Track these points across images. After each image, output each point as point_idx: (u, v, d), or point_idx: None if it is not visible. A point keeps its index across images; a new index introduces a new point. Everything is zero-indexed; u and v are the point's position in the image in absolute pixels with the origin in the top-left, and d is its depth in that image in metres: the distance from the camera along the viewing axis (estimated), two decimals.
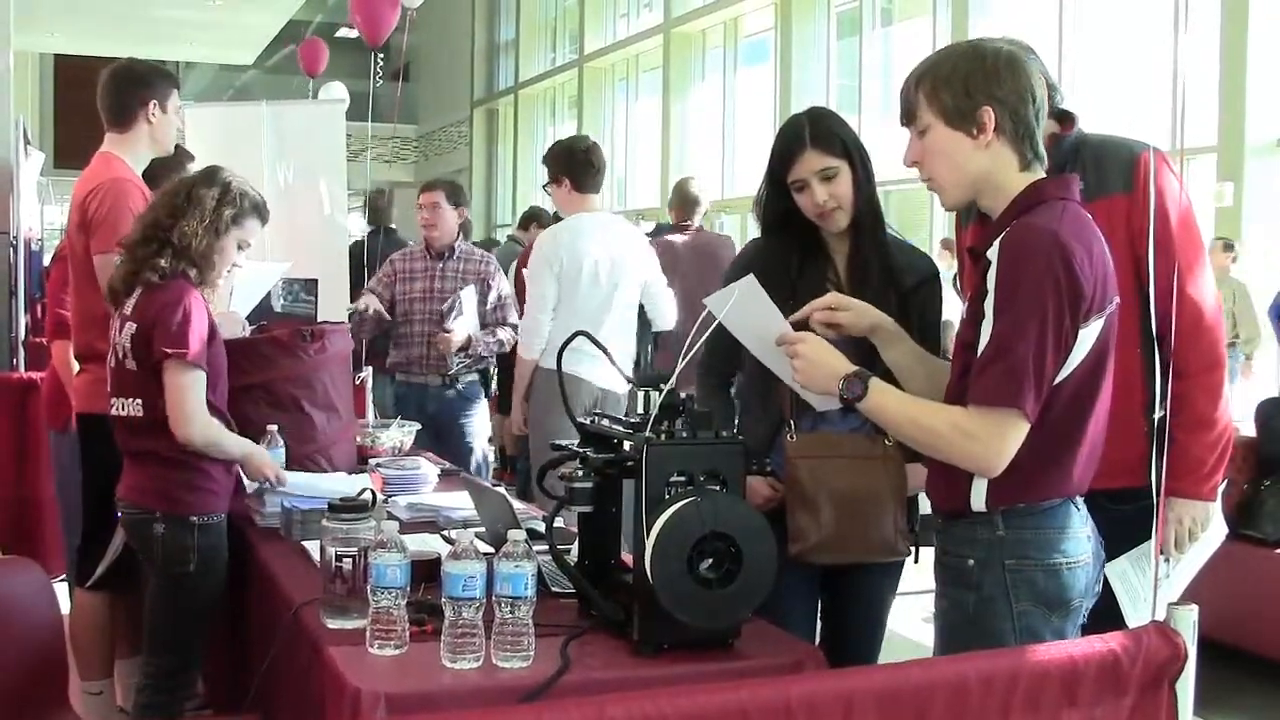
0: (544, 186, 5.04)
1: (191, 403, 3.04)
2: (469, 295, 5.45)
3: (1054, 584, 2.19)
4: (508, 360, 8.07)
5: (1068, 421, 2.18)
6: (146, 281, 3.12)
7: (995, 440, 2.11)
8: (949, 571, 2.28)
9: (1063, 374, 2.14)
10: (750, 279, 2.44)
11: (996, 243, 2.15)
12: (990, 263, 2.14)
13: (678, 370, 2.31)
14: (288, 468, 3.51)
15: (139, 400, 3.10)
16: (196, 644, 3.12)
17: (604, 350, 2.63)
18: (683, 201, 6.78)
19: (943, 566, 2.31)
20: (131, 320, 3.12)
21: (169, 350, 3.02)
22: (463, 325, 5.39)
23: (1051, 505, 2.21)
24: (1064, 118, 2.74)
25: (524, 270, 7.56)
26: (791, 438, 2.75)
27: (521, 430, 5.14)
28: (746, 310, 2.44)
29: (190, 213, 3.15)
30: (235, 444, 3.18)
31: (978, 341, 2.14)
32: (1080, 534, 2.23)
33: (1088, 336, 2.14)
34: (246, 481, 3.31)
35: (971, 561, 2.21)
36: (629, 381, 2.38)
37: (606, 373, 4.61)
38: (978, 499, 2.19)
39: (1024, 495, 2.19)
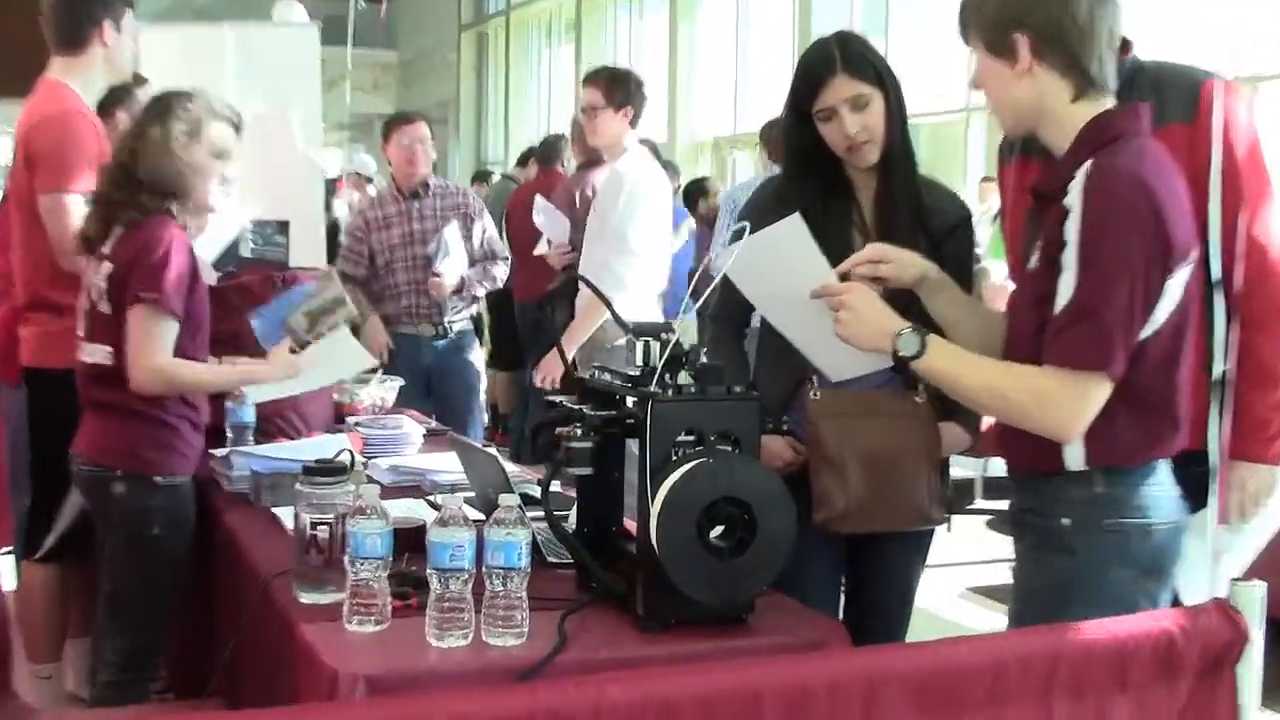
0: (594, 110, 4.81)
1: (154, 351, 3.04)
2: (453, 232, 5.43)
3: (1152, 547, 2.21)
4: (502, 306, 8.08)
5: (1161, 377, 2.18)
6: (128, 220, 3.12)
7: (1077, 404, 2.12)
8: (1034, 533, 2.28)
9: (1151, 328, 2.14)
10: (796, 218, 2.41)
11: (1076, 188, 2.13)
12: (1068, 211, 2.13)
13: (678, 328, 2.29)
14: (257, 428, 3.52)
15: (109, 348, 3.10)
16: (162, 619, 3.13)
17: (600, 295, 2.67)
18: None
19: (1025, 527, 2.31)
20: (109, 260, 3.13)
21: (142, 294, 3.02)
22: (452, 266, 5.40)
23: (1149, 464, 2.22)
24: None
25: (513, 211, 7.58)
26: (814, 394, 2.74)
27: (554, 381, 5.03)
28: (777, 255, 2.41)
29: (144, 146, 3.15)
30: (212, 374, 3.23)
31: (1054, 296, 2.13)
32: (1175, 494, 2.25)
33: (1174, 287, 2.14)
34: (228, 430, 3.37)
35: (1066, 521, 2.22)
36: (626, 330, 2.37)
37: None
38: (1074, 458, 2.19)
39: (1124, 458, 2.20)
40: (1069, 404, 2.12)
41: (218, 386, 3.32)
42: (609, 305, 2.69)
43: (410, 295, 5.45)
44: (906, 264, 2.45)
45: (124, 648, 3.10)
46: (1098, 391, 2.11)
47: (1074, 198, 2.13)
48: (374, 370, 4.32)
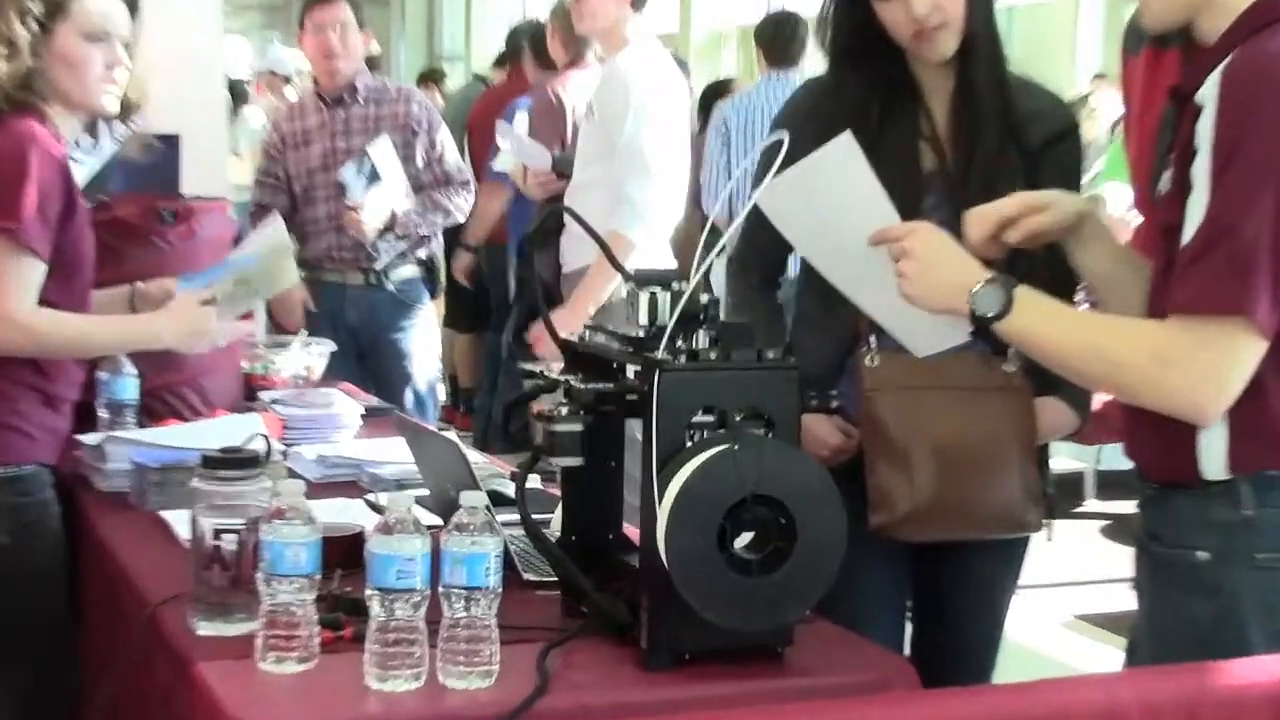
0: None
1: (9, 297, 3.04)
2: (383, 150, 5.36)
3: None
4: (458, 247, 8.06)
5: None
6: None
7: (1209, 363, 2.07)
8: (1164, 566, 2.26)
9: None
10: (846, 138, 2.40)
11: (1212, 80, 2.10)
12: (1201, 109, 2.10)
13: (695, 275, 2.30)
14: (141, 406, 3.52)
15: None
16: (49, 654, 3.12)
17: (593, 233, 2.67)
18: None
19: (1152, 558, 2.29)
20: None
21: None
22: (380, 197, 5.33)
23: None
24: None
25: (476, 123, 7.52)
26: (870, 360, 2.76)
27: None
28: (824, 188, 2.40)
29: None
30: (94, 329, 3.25)
31: (1183, 223, 2.10)
32: None
33: None
34: (100, 408, 3.37)
35: (1204, 555, 2.19)
36: (627, 278, 2.37)
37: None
38: (1213, 462, 2.16)
39: None
40: (1197, 363, 2.06)
41: (101, 347, 3.32)
42: (603, 245, 2.70)
43: (332, 234, 5.42)
44: (1065, 208, 2.38)
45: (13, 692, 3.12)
46: (1239, 345, 2.06)
47: (1209, 90, 2.09)
48: (294, 330, 4.33)
